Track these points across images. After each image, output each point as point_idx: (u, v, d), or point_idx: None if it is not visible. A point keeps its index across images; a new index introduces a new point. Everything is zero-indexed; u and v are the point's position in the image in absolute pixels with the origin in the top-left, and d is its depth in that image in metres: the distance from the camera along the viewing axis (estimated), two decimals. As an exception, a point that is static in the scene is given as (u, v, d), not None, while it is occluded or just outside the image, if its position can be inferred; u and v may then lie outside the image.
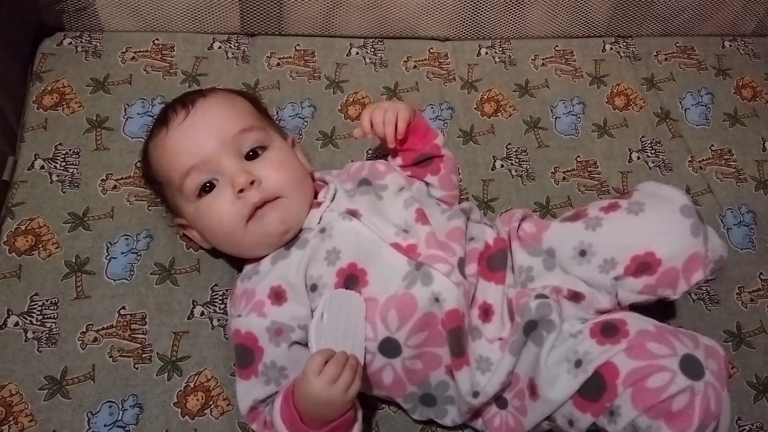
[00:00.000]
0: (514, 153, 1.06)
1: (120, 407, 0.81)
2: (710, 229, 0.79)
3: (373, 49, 1.12)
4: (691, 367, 0.67)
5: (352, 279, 0.77)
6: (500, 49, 1.15)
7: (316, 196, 0.86)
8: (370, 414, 0.85)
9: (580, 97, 1.12)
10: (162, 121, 0.84)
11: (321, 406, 0.70)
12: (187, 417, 0.81)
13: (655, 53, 1.18)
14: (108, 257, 0.89)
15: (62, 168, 0.94)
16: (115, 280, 0.88)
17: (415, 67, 1.12)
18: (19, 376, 0.81)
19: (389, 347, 0.76)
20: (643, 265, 0.75)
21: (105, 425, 0.80)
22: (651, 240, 0.75)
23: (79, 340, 0.84)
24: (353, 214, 0.81)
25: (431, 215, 0.82)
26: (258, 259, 0.82)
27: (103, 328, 0.85)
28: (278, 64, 1.09)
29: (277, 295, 0.77)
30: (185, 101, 0.84)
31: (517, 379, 0.76)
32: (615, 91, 1.14)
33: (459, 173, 0.95)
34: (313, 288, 0.77)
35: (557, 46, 1.17)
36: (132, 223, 0.92)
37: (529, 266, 0.80)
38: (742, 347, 0.93)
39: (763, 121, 1.14)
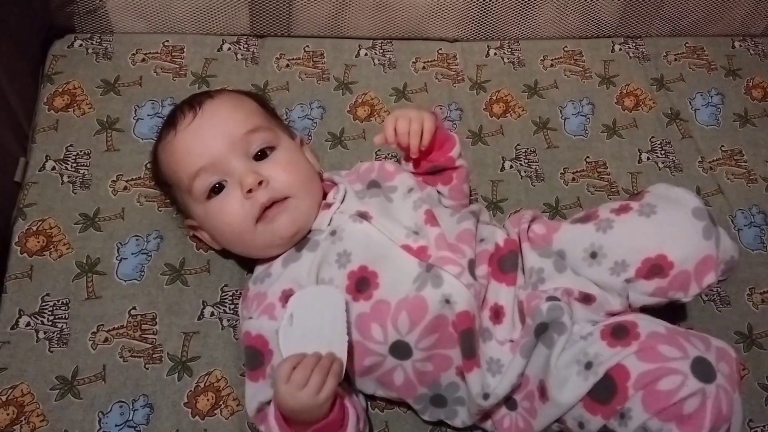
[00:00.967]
0: (523, 154, 1.05)
1: (131, 407, 0.81)
2: (721, 230, 0.79)
3: (382, 50, 1.12)
4: (702, 369, 0.67)
5: (363, 281, 0.77)
6: (509, 50, 1.15)
7: (325, 197, 0.86)
8: (380, 414, 0.85)
9: (589, 98, 1.12)
10: (170, 123, 0.84)
11: (296, 411, 0.70)
12: (197, 417, 0.82)
13: (664, 54, 1.18)
14: (119, 258, 0.89)
15: (73, 169, 0.95)
16: (125, 281, 0.88)
17: (424, 68, 1.12)
18: (30, 375, 0.81)
19: (400, 349, 0.76)
20: (655, 267, 0.75)
21: (116, 425, 0.80)
22: (663, 243, 0.75)
23: (90, 341, 0.84)
24: (364, 216, 0.81)
25: (440, 217, 0.82)
26: (269, 261, 0.82)
27: (113, 329, 0.85)
28: (287, 66, 1.09)
29: (288, 298, 0.77)
30: (193, 103, 0.84)
31: (527, 380, 0.76)
32: (624, 91, 1.13)
33: (470, 181, 0.94)
34: None
35: (566, 46, 1.16)
36: (142, 223, 0.92)
37: (540, 267, 0.79)
38: (753, 348, 0.93)
39: (774, 121, 1.13)
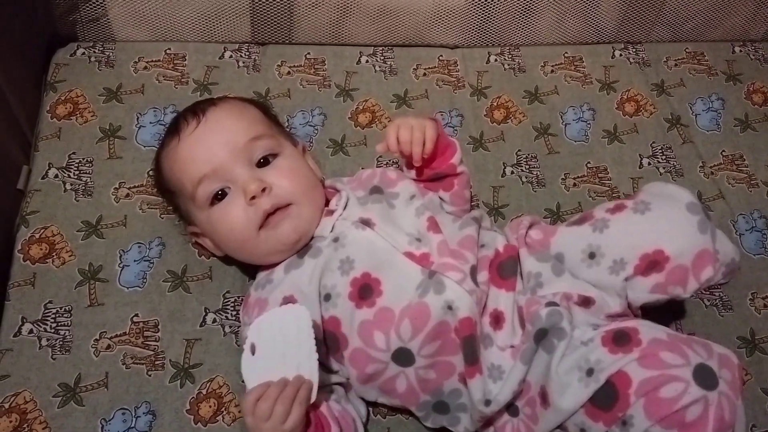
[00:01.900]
0: (524, 159, 1.06)
1: (133, 414, 0.81)
2: (720, 232, 0.79)
3: (382, 57, 1.13)
4: (704, 376, 0.67)
5: (366, 288, 0.77)
6: (509, 56, 1.15)
7: (327, 204, 0.86)
8: (382, 420, 0.85)
9: (590, 104, 1.12)
10: (173, 130, 0.84)
11: None
12: (199, 424, 0.82)
13: (664, 59, 1.18)
14: (121, 265, 0.90)
15: (76, 177, 0.95)
16: (128, 288, 0.88)
17: (424, 74, 1.12)
18: (33, 383, 0.82)
19: (402, 357, 0.76)
20: (653, 263, 0.75)
21: (118, 432, 0.80)
22: (659, 237, 0.75)
23: (92, 348, 0.84)
24: (366, 223, 0.81)
25: (443, 224, 0.82)
26: (271, 267, 0.83)
27: (116, 336, 0.85)
28: (289, 73, 1.09)
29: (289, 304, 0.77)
30: (196, 110, 0.84)
31: (528, 387, 0.76)
32: (625, 97, 1.13)
33: (471, 187, 0.95)
34: (327, 297, 0.77)
35: (566, 52, 1.17)
36: (144, 231, 0.92)
37: (538, 272, 0.79)
38: (755, 353, 0.93)
39: (775, 126, 1.13)
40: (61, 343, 0.84)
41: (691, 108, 1.13)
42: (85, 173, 0.96)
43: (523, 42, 1.16)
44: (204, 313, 0.88)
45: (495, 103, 1.10)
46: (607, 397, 0.68)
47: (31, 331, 0.84)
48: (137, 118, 1.01)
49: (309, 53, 1.11)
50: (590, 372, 0.70)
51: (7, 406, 0.80)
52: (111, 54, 1.07)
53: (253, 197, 0.79)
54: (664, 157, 1.08)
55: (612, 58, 1.17)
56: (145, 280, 0.89)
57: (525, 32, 1.15)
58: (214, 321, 0.88)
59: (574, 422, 0.71)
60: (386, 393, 0.80)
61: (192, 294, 0.89)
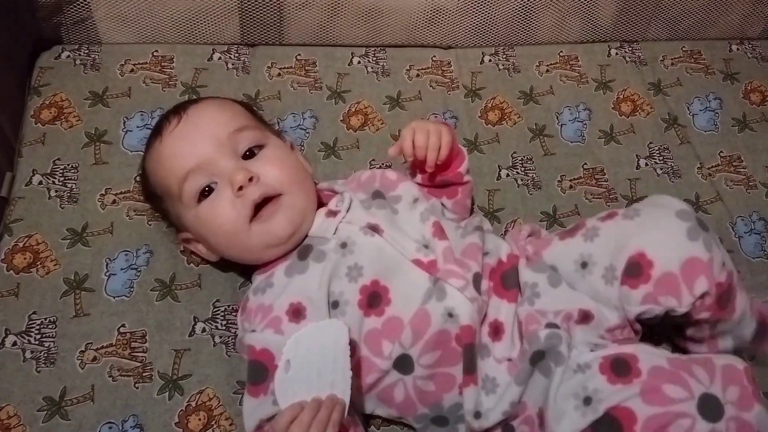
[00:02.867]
0: (520, 161, 1.04)
1: (120, 428, 0.79)
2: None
3: (375, 58, 1.11)
4: (709, 407, 0.66)
5: (375, 296, 0.75)
6: (504, 56, 1.14)
7: (325, 204, 0.84)
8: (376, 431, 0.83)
9: (585, 104, 1.10)
10: (156, 132, 0.83)
11: None
12: (188, 437, 0.80)
13: (661, 58, 1.17)
14: (107, 274, 0.87)
15: (60, 183, 0.93)
16: (114, 297, 0.86)
17: (418, 75, 1.10)
18: (17, 397, 0.79)
19: (403, 363, 0.74)
20: (635, 266, 0.73)
21: (105, 447, 0.78)
22: (641, 240, 0.73)
23: (78, 360, 0.82)
24: (375, 229, 0.79)
25: (447, 230, 0.81)
26: (269, 269, 0.80)
27: (102, 347, 0.83)
28: (279, 75, 1.07)
29: (296, 312, 0.75)
30: (178, 110, 0.83)
31: (525, 407, 0.74)
32: (621, 96, 1.12)
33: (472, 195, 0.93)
34: (335, 305, 0.75)
35: (561, 51, 1.15)
36: (132, 238, 0.90)
37: (534, 282, 0.78)
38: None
39: (773, 125, 1.12)
40: (45, 355, 0.82)
41: (688, 108, 1.12)
42: (71, 179, 0.94)
43: (517, 42, 1.14)
44: (193, 323, 0.86)
45: (489, 105, 1.09)
46: None
47: (14, 344, 0.82)
48: (124, 123, 0.99)
49: (300, 54, 1.09)
50: (588, 401, 0.69)
51: (-10, 421, 0.78)
52: (97, 56, 1.04)
53: (241, 188, 0.76)
54: (661, 158, 1.06)
55: (608, 57, 1.16)
56: (132, 289, 0.87)
57: (519, 32, 1.13)
58: (204, 331, 0.86)
59: None
60: (384, 403, 0.78)
61: (181, 303, 0.87)
